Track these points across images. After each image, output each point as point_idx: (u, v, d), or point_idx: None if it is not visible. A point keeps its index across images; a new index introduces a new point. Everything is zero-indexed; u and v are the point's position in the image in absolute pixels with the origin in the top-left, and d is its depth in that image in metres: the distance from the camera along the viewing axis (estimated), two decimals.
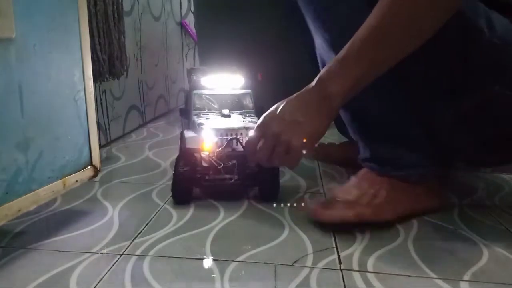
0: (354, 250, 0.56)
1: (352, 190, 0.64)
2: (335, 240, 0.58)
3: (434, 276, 0.50)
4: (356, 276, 0.50)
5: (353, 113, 0.68)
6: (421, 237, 0.60)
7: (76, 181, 0.60)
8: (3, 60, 0.47)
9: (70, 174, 0.59)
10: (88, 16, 0.63)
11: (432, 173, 0.67)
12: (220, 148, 0.67)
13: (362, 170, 0.68)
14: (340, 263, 0.53)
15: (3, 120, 0.48)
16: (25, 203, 0.51)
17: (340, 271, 0.51)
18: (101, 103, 1.08)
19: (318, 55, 0.70)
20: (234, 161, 0.68)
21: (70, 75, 0.59)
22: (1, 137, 0.48)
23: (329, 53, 0.63)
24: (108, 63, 0.93)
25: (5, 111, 0.48)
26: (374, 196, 0.63)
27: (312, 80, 0.58)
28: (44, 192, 0.54)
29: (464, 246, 0.58)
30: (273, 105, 0.60)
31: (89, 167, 0.63)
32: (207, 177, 0.70)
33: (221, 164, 0.67)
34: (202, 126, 0.68)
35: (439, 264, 0.53)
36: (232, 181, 0.69)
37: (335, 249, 0.56)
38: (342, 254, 0.55)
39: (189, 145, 0.69)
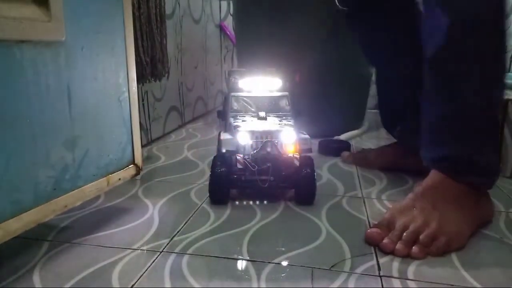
0: (394, 257, 0.54)
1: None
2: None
3: (478, 286, 0.48)
4: (396, 283, 0.49)
5: (446, 109, 0.61)
6: (465, 245, 0.58)
7: (119, 179, 0.62)
8: (54, 62, 0.49)
9: (114, 172, 0.61)
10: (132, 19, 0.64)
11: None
12: (255, 151, 0.68)
13: (427, 178, 0.61)
14: (379, 269, 0.52)
15: (53, 119, 0.50)
16: (71, 199, 0.53)
17: (379, 278, 0.50)
18: (143, 104, 1.11)
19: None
20: (268, 164, 0.68)
21: (115, 76, 0.61)
22: (51, 135, 0.50)
23: (429, 72, 0.61)
24: (150, 65, 0.95)
25: (55, 111, 0.50)
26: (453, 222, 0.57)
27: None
28: (89, 189, 0.56)
29: (510, 256, 0.55)
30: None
31: (131, 165, 0.65)
32: (243, 178, 0.70)
33: (255, 167, 0.68)
34: (238, 129, 0.69)
35: (484, 273, 0.51)
36: (267, 183, 0.69)
37: (374, 255, 0.55)
38: (381, 260, 0.54)
39: (224, 147, 0.70)
